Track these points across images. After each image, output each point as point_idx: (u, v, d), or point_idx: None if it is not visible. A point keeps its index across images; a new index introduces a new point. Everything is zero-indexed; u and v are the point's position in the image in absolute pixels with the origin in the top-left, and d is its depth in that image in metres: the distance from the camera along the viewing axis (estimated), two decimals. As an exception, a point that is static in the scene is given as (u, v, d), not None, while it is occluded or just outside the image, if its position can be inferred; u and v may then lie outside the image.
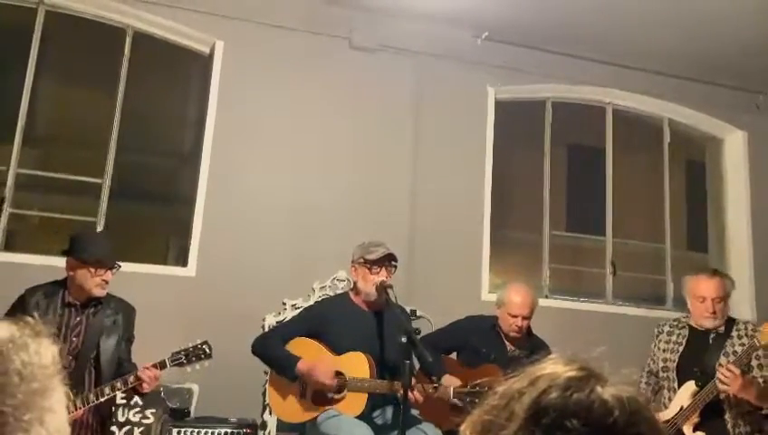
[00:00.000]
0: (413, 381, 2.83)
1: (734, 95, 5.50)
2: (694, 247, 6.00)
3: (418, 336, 2.82)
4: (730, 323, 3.13)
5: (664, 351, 3.20)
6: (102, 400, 2.69)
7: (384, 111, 4.82)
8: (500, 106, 5.15)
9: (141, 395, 2.88)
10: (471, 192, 4.91)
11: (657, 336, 3.28)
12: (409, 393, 2.80)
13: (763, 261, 5.37)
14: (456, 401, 2.90)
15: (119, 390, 2.71)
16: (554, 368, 0.72)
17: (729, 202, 5.64)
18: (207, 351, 2.79)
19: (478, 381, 2.88)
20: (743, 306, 5.34)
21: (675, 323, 3.25)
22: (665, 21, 4.69)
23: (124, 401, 3.51)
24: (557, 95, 5.40)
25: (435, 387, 2.94)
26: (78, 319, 2.83)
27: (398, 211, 4.69)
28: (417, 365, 3.01)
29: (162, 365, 2.73)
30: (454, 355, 3.52)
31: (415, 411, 2.96)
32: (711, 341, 3.08)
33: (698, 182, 5.95)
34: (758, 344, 2.84)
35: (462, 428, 0.75)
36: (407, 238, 4.57)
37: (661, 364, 3.19)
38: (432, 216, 4.74)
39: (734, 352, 3.00)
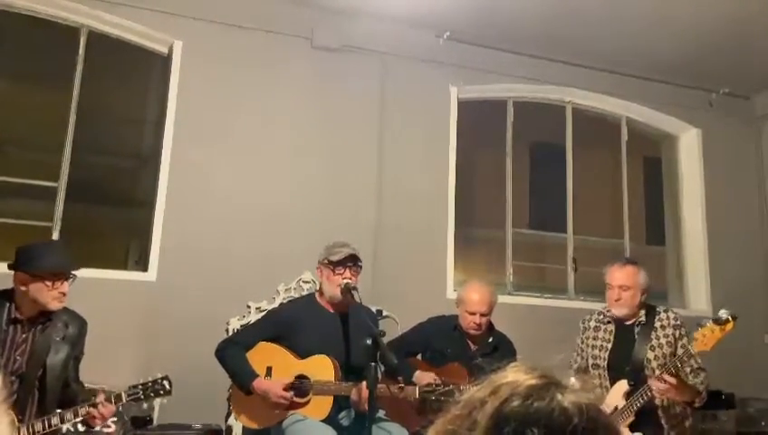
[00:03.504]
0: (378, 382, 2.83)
1: (689, 94, 5.66)
2: (652, 242, 6.15)
3: (383, 338, 2.81)
4: (650, 313, 3.13)
5: (592, 347, 3.20)
6: (49, 431, 2.49)
7: (347, 110, 4.81)
8: (463, 105, 5.19)
9: (91, 428, 2.68)
10: (435, 191, 4.94)
11: (584, 332, 3.27)
12: (357, 392, 2.81)
13: (717, 253, 5.54)
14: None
15: (68, 420, 2.51)
16: (516, 376, 0.72)
17: (685, 197, 5.81)
18: (167, 387, 2.62)
19: (443, 381, 2.89)
20: (698, 298, 5.51)
21: (600, 318, 3.25)
22: (623, 22, 4.79)
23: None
24: (518, 94, 5.47)
25: (400, 387, 2.95)
26: (23, 336, 2.60)
27: (363, 211, 4.68)
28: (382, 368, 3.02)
29: (117, 399, 2.56)
30: (419, 357, 3.53)
31: (381, 412, 2.96)
32: (636, 334, 3.09)
33: (655, 178, 6.11)
34: (692, 353, 2.84)
35: (426, 438, 0.75)
36: (372, 238, 4.57)
37: (591, 361, 3.18)
38: (397, 215, 4.75)
39: (660, 345, 3.03)
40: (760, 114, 5.89)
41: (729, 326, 2.76)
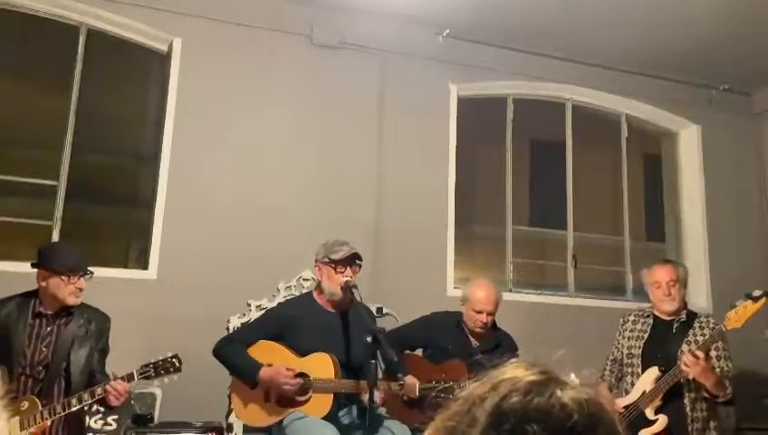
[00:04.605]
0: (378, 380, 2.83)
1: (689, 91, 5.65)
2: (652, 238, 6.15)
3: (383, 335, 2.81)
4: (692, 315, 3.25)
5: (629, 338, 3.32)
6: (69, 411, 2.66)
7: (347, 108, 4.80)
8: (462, 103, 5.18)
9: (110, 408, 2.81)
10: (435, 188, 4.94)
11: (623, 325, 3.40)
12: (375, 393, 2.80)
13: (717, 250, 5.54)
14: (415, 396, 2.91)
15: (86, 402, 2.67)
16: (516, 372, 0.72)
17: (684, 194, 5.80)
18: (177, 364, 2.75)
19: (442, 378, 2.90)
20: (698, 295, 5.51)
21: (640, 313, 3.38)
22: (622, 19, 4.78)
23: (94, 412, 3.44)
24: (518, 92, 5.47)
25: (400, 384, 2.95)
26: (48, 329, 2.82)
27: (363, 208, 4.68)
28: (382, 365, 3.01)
29: (130, 378, 2.69)
30: (419, 351, 3.53)
31: (382, 410, 2.96)
32: (674, 330, 3.21)
33: (655, 175, 6.10)
34: (725, 330, 2.95)
35: (426, 434, 0.75)
36: (372, 235, 4.57)
37: (626, 351, 3.31)
38: (397, 212, 4.75)
39: (696, 341, 3.11)
40: (760, 110, 5.87)
41: (762, 302, 2.90)
